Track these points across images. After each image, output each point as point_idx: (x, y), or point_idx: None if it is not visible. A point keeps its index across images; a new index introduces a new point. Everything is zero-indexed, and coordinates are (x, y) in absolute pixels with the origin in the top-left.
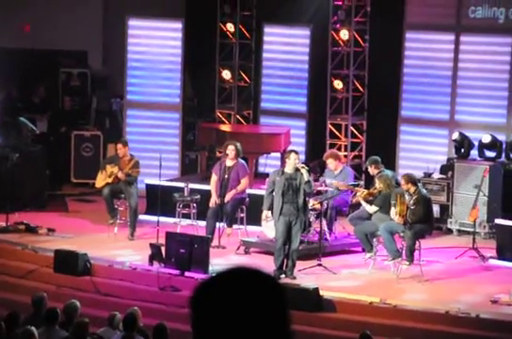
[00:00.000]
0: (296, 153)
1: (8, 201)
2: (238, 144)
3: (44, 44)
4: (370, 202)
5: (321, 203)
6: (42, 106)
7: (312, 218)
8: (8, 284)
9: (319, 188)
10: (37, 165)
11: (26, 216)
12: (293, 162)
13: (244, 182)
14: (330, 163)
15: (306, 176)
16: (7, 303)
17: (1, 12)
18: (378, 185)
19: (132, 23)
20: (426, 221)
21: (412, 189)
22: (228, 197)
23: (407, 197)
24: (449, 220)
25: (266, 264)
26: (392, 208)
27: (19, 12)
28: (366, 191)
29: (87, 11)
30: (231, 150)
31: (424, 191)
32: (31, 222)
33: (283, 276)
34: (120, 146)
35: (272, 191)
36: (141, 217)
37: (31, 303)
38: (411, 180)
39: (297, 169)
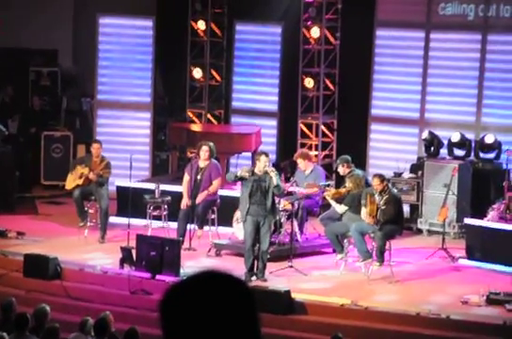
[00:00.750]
0: (267, 155)
1: None
2: (212, 144)
3: (14, 43)
4: (339, 202)
5: (292, 204)
6: (12, 106)
7: (283, 219)
8: None
9: (290, 189)
10: (6, 166)
11: None
12: (262, 164)
13: (216, 183)
14: (300, 163)
15: (275, 180)
16: None
17: None
18: (348, 184)
19: (102, 21)
20: (397, 221)
21: (385, 189)
22: (199, 198)
23: (376, 197)
24: (419, 220)
25: (238, 266)
26: (363, 208)
27: None
28: (334, 190)
29: (57, 9)
30: (204, 150)
31: (395, 191)
32: (0, 226)
33: (254, 278)
34: (97, 146)
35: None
36: (112, 219)
37: (0, 309)
38: (385, 179)
39: (267, 172)
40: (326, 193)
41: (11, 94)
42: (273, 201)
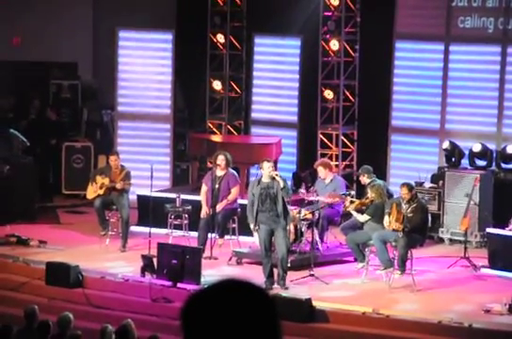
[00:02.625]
0: (269, 161)
1: None
2: (228, 154)
3: (35, 56)
4: (362, 212)
5: (312, 213)
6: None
7: (303, 228)
8: None
9: (311, 198)
10: (27, 177)
11: (18, 228)
12: (266, 171)
13: (234, 191)
14: (320, 171)
15: (282, 183)
16: None
17: None
18: (370, 194)
19: (122, 34)
20: (422, 230)
21: (413, 197)
22: (219, 207)
23: (403, 206)
24: (440, 229)
25: (258, 274)
26: (386, 217)
27: (9, 25)
28: (358, 201)
29: (77, 23)
30: (220, 160)
31: (423, 200)
32: (22, 234)
33: (275, 285)
34: (114, 157)
35: (253, 202)
36: (133, 228)
37: (23, 316)
38: (413, 188)
39: (273, 178)
40: (347, 204)
41: (38, 107)
42: (284, 206)
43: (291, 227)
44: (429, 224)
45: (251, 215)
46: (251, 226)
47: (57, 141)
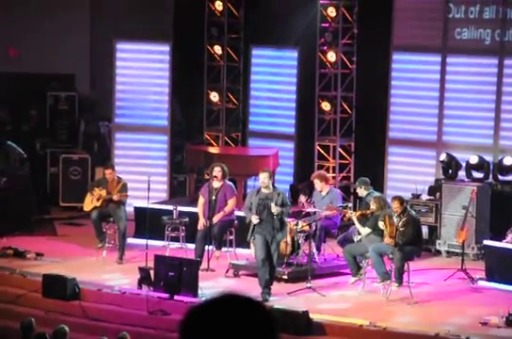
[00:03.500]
0: (264, 171)
1: None
2: (224, 165)
3: (32, 68)
4: (362, 224)
5: (310, 225)
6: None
7: (300, 240)
8: None
9: (308, 210)
10: (24, 189)
11: (14, 240)
12: (261, 181)
13: (231, 203)
14: (317, 183)
15: (283, 200)
16: None
17: None
18: (372, 205)
19: (119, 46)
20: (416, 243)
21: (403, 211)
22: (216, 219)
23: (395, 219)
24: (437, 242)
25: (255, 286)
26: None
27: (6, 37)
28: (359, 212)
29: (74, 35)
30: (217, 171)
31: (414, 213)
32: (19, 247)
33: (269, 297)
34: (109, 171)
35: (251, 209)
36: (130, 240)
37: (20, 328)
38: (404, 201)
39: (274, 190)
40: (351, 213)
41: (36, 119)
42: (281, 218)
43: (288, 239)
44: (423, 235)
45: (249, 213)
46: (248, 237)
47: (40, 147)
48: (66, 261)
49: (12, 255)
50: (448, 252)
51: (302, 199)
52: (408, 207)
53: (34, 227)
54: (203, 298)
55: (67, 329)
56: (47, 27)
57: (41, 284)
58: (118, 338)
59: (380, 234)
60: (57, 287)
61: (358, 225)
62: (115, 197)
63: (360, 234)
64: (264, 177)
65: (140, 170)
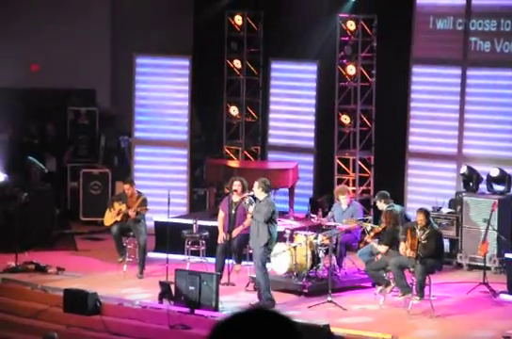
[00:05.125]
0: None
1: (18, 241)
2: (243, 179)
3: (53, 83)
4: (378, 242)
5: (330, 239)
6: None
7: (321, 254)
8: (17, 325)
9: (328, 224)
10: (46, 204)
11: (36, 255)
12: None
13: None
14: (342, 199)
15: (250, 208)
16: None
17: (11, 52)
18: (381, 220)
19: (139, 60)
20: (437, 256)
21: (426, 223)
22: (235, 233)
23: (418, 231)
24: (459, 255)
25: (276, 300)
26: (402, 243)
27: (28, 52)
28: (372, 233)
29: (95, 50)
30: (236, 185)
31: (436, 226)
32: (40, 262)
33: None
34: (127, 186)
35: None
36: (150, 254)
37: None
38: (429, 214)
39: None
40: (366, 238)
41: (53, 133)
42: (265, 228)
43: (308, 252)
44: (445, 249)
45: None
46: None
47: (58, 161)
48: (87, 275)
49: (34, 270)
50: (469, 266)
51: (315, 216)
52: (432, 220)
53: (55, 242)
54: (225, 312)
55: None
56: (68, 42)
57: (63, 299)
58: None
59: (397, 247)
60: (79, 302)
61: (375, 245)
62: (131, 213)
63: (378, 253)
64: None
65: (160, 185)
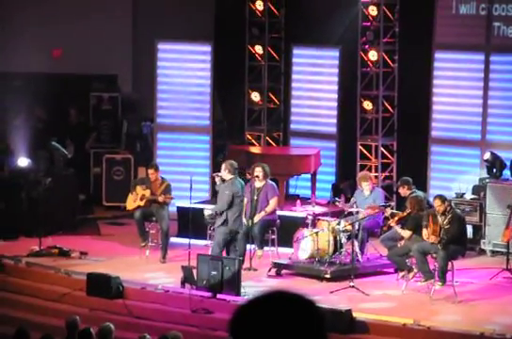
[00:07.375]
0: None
1: (42, 226)
2: (265, 165)
3: (74, 69)
4: (402, 227)
5: (352, 225)
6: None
7: (343, 240)
8: (41, 308)
9: (350, 210)
10: (69, 189)
11: (59, 239)
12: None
13: (272, 202)
14: (365, 186)
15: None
16: (40, 327)
17: (33, 38)
18: (406, 205)
19: (161, 46)
20: (460, 241)
21: (447, 209)
22: (257, 218)
23: (439, 217)
24: (482, 241)
25: (298, 285)
26: (424, 229)
27: (50, 38)
28: (397, 217)
29: (117, 35)
30: (258, 171)
31: (458, 211)
32: (64, 246)
33: None
34: (152, 171)
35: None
36: (173, 239)
37: (65, 326)
38: (446, 200)
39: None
40: (388, 217)
41: (75, 118)
42: (235, 210)
43: (330, 238)
44: (468, 234)
45: None
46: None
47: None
48: (110, 260)
49: (57, 254)
50: (493, 252)
51: (339, 200)
52: (453, 205)
53: (78, 226)
54: (248, 296)
55: (112, 326)
56: (90, 28)
57: (86, 283)
58: (164, 336)
59: (420, 233)
60: (102, 286)
61: (399, 230)
62: (160, 198)
63: (402, 238)
64: (223, 168)
65: (182, 170)
